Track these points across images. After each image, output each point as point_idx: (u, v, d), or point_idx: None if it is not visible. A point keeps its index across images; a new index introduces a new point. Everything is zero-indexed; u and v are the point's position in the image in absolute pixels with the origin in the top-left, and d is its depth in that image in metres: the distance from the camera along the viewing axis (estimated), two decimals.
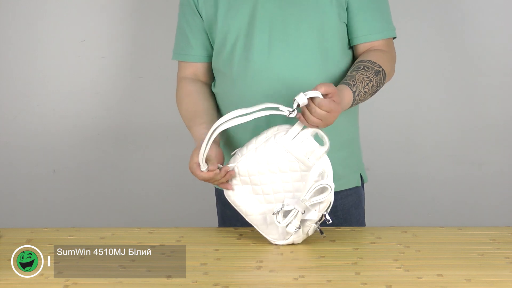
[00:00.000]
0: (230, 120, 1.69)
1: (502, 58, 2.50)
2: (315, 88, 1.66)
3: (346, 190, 1.96)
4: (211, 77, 2.00)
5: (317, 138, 1.70)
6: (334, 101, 1.67)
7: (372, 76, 1.82)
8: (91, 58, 2.54)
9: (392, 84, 2.03)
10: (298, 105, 1.66)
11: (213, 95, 1.98)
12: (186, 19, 1.95)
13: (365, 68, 1.83)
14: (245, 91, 1.88)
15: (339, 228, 1.84)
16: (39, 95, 2.56)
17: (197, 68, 1.98)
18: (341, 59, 1.90)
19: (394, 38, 1.94)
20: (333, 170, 1.72)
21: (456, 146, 2.56)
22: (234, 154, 1.76)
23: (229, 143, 1.94)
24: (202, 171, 1.75)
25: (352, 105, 1.80)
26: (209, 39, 1.95)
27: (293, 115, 1.67)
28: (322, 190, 1.68)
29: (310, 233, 1.72)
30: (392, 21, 1.93)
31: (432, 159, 2.57)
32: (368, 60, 1.85)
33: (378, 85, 1.85)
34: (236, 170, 1.75)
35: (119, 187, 2.62)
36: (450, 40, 2.49)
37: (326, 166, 1.69)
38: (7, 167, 2.62)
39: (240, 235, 1.82)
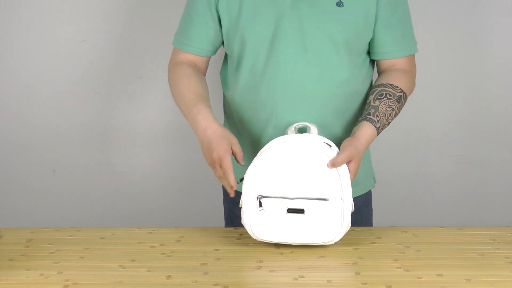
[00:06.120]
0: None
1: (503, 58, 2.50)
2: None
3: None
4: (206, 70, 2.00)
5: None
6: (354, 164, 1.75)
7: (394, 104, 1.87)
8: (91, 58, 2.54)
9: None
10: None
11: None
12: (197, 11, 1.91)
13: (388, 95, 1.86)
14: (266, 99, 1.88)
15: None
16: (39, 95, 2.56)
17: (196, 59, 1.97)
18: (362, 70, 1.92)
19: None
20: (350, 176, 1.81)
21: (457, 146, 2.56)
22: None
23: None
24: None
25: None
26: (214, 35, 1.93)
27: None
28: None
29: None
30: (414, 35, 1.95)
31: (433, 159, 2.57)
32: (390, 85, 1.88)
33: (399, 110, 1.90)
34: None
35: (119, 187, 2.62)
36: (452, 40, 2.48)
37: None
38: (7, 167, 2.62)
39: (240, 235, 1.81)
